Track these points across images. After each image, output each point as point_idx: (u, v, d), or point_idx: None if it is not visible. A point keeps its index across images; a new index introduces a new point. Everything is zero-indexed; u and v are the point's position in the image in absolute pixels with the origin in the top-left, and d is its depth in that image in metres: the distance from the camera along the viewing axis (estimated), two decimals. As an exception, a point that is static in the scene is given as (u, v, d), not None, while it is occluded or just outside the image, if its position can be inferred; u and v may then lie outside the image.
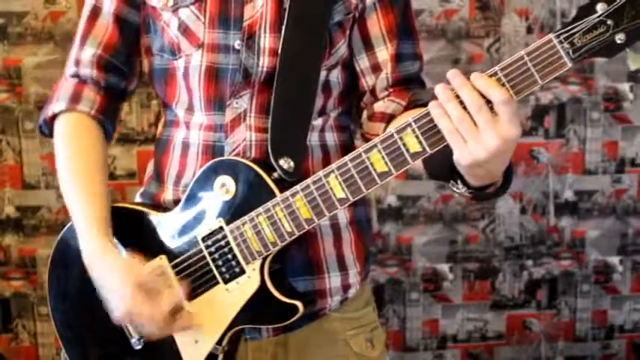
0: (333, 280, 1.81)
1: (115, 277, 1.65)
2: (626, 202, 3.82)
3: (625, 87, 3.72)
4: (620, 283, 3.90)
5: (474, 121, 1.39)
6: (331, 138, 1.81)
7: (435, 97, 1.73)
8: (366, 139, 1.79)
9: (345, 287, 1.83)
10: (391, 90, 1.77)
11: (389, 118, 1.73)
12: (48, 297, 1.89)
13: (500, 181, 1.54)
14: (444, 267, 3.81)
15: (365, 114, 1.80)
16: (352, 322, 1.86)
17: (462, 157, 1.43)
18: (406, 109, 1.71)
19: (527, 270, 3.85)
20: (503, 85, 1.39)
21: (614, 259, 3.87)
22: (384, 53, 1.76)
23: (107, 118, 1.84)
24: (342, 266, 1.82)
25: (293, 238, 1.61)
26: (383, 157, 1.50)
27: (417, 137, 1.47)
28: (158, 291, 1.63)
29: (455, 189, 1.56)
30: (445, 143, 1.45)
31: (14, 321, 3.67)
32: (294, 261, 1.72)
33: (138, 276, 1.64)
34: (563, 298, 3.89)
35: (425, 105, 1.66)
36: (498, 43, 3.66)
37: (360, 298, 1.88)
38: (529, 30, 3.66)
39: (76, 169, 1.78)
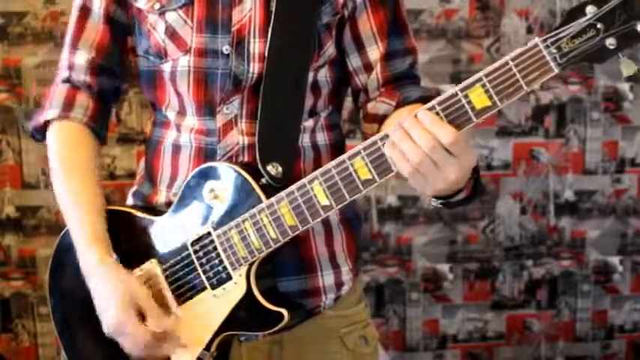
0: (326, 279, 1.81)
1: (107, 290, 1.66)
2: (626, 202, 3.81)
3: (625, 87, 3.71)
4: (620, 283, 3.89)
5: (432, 159, 1.42)
6: (322, 138, 1.80)
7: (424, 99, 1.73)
8: (366, 139, 1.78)
9: (339, 285, 1.83)
10: (382, 90, 1.75)
11: (381, 119, 1.72)
12: (48, 298, 1.89)
13: (471, 184, 1.55)
14: (444, 267, 3.81)
15: (361, 113, 1.80)
16: (346, 319, 1.86)
17: (424, 191, 1.48)
18: (396, 108, 1.70)
19: (527, 270, 3.84)
20: (487, 91, 1.39)
21: (614, 259, 3.87)
22: (375, 53, 1.75)
23: (99, 124, 1.85)
24: (335, 264, 1.82)
25: (278, 245, 1.60)
26: (367, 164, 1.50)
27: None
28: (147, 312, 1.64)
29: (428, 201, 1.59)
30: None
31: (14, 321, 3.67)
32: (287, 260, 1.72)
33: (129, 294, 1.64)
34: (563, 298, 3.89)
35: (414, 102, 1.66)
36: (498, 43, 3.65)
37: (352, 295, 1.88)
38: (529, 30, 3.65)
39: (70, 184, 1.78)
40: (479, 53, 3.66)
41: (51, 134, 1.83)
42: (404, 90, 1.73)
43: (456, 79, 3.64)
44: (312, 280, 1.79)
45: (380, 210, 3.74)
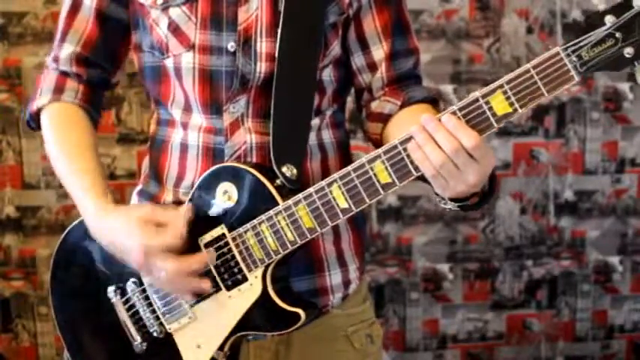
0: (334, 278, 1.81)
1: (121, 220, 1.63)
2: (626, 202, 3.82)
3: (625, 87, 3.72)
4: (620, 283, 3.90)
5: (454, 163, 1.45)
6: (327, 136, 1.81)
7: (428, 99, 1.73)
8: (368, 138, 1.81)
9: (346, 283, 1.84)
10: (387, 89, 1.77)
11: (386, 118, 1.74)
12: (51, 298, 1.88)
13: (486, 185, 1.57)
14: (444, 267, 3.82)
15: (364, 112, 1.81)
16: (352, 317, 1.87)
17: (444, 193, 1.51)
18: (401, 108, 1.72)
19: (527, 270, 3.85)
20: (508, 98, 1.41)
21: (614, 259, 3.87)
22: (379, 52, 1.76)
23: (91, 106, 1.84)
24: (342, 263, 1.83)
25: (295, 247, 1.61)
26: (387, 168, 1.51)
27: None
28: (166, 223, 1.61)
29: (443, 205, 1.59)
30: None
31: (14, 321, 3.65)
32: (296, 260, 1.71)
33: (142, 211, 1.63)
34: (563, 298, 3.89)
35: (418, 102, 1.71)
36: (498, 43, 3.65)
37: (359, 293, 1.89)
38: (529, 30, 3.66)
39: (67, 147, 1.77)
40: (479, 53, 3.66)
41: (45, 117, 1.82)
42: (408, 90, 1.75)
43: (456, 79, 3.64)
44: (321, 280, 1.80)
45: (380, 210, 3.75)
